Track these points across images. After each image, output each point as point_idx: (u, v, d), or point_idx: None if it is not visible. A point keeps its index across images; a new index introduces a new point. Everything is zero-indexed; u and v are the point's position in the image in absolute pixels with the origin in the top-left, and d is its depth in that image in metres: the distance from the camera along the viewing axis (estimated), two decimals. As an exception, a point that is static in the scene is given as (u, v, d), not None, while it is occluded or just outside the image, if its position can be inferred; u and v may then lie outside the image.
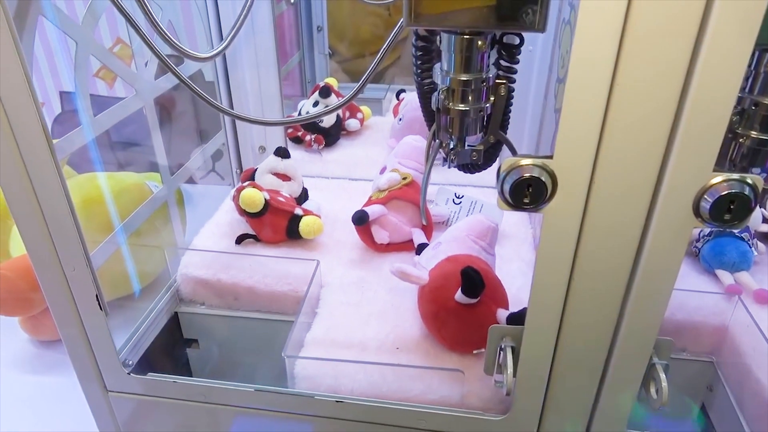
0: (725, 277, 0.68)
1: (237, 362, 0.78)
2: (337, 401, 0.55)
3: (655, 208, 0.38)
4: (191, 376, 0.79)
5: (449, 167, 0.49)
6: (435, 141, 0.48)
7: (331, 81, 1.10)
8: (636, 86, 0.35)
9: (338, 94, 1.06)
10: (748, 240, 0.69)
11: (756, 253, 0.70)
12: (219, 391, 0.58)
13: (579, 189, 0.38)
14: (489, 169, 0.50)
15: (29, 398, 0.78)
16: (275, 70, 0.90)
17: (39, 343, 0.87)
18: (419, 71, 0.46)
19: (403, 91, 1.11)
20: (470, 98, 0.44)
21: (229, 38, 0.65)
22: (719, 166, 0.37)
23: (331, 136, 1.06)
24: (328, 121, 1.05)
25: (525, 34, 0.43)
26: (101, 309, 0.54)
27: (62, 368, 0.80)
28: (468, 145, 0.47)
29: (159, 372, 0.61)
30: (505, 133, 0.48)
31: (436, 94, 0.45)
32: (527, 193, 0.38)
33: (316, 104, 1.04)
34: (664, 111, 0.35)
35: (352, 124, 1.10)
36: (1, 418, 0.74)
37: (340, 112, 1.08)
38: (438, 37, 0.44)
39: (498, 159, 0.51)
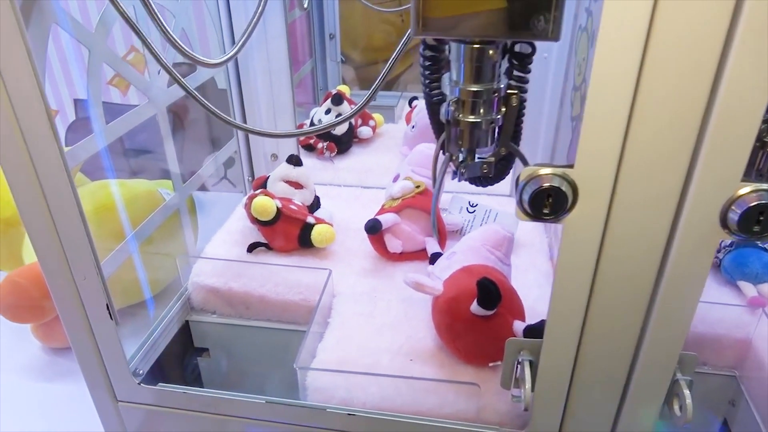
0: (748, 288, 0.66)
1: (248, 372, 0.77)
2: (349, 414, 0.54)
3: (680, 219, 0.37)
4: (202, 386, 0.79)
5: (459, 181, 0.48)
6: (444, 154, 0.46)
7: (344, 89, 1.10)
8: (661, 93, 0.34)
9: (350, 102, 1.06)
10: (772, 251, 0.67)
11: (779, 264, 0.68)
12: (229, 402, 0.57)
13: (601, 199, 0.37)
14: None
15: (40, 406, 0.78)
16: (288, 78, 0.90)
17: (51, 350, 0.87)
18: (428, 81, 0.45)
19: (415, 98, 1.11)
20: (481, 109, 0.42)
21: (239, 44, 0.65)
22: (746, 176, 0.35)
23: (343, 143, 1.06)
24: (340, 128, 1.04)
25: (538, 42, 0.42)
26: (112, 318, 0.54)
27: (74, 376, 0.80)
28: (478, 158, 0.46)
29: (170, 381, 0.61)
30: (518, 145, 0.47)
31: (445, 105, 0.43)
32: (547, 204, 0.37)
33: (328, 112, 1.04)
34: (690, 119, 0.34)
35: (364, 131, 1.09)
36: (13, 426, 0.74)
37: (352, 119, 1.08)
38: (447, 47, 0.43)
39: (512, 171, 0.50)
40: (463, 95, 0.42)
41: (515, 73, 0.44)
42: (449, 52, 0.43)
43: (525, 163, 0.46)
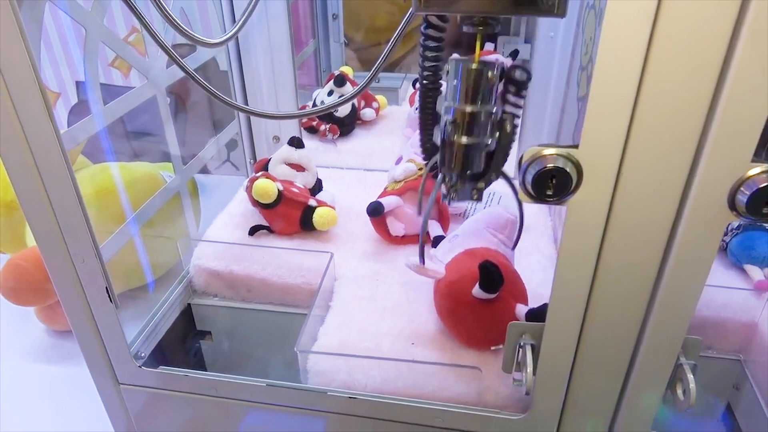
0: (754, 272, 0.65)
1: (250, 355, 0.78)
2: (350, 397, 0.54)
3: (687, 201, 0.36)
4: (204, 369, 0.79)
5: (449, 203, 0.46)
6: (440, 173, 0.44)
7: (347, 69, 1.08)
8: (669, 71, 0.32)
9: (353, 83, 1.05)
10: (780, 234, 0.66)
11: (787, 248, 0.67)
12: (230, 385, 0.57)
13: (606, 180, 0.36)
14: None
15: (44, 388, 0.78)
16: (289, 59, 0.88)
17: (55, 332, 0.87)
18: (426, 63, 0.43)
19: (419, 79, 1.09)
20: (476, 132, 0.41)
21: (239, 23, 0.64)
22: (757, 156, 0.34)
23: (346, 125, 1.04)
24: (342, 110, 1.03)
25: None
26: (111, 301, 0.53)
27: (78, 358, 0.80)
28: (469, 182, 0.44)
29: (172, 364, 0.61)
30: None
31: (442, 124, 0.42)
32: (550, 185, 0.36)
33: (330, 93, 1.03)
34: (700, 97, 0.33)
35: (367, 113, 1.08)
36: (17, 408, 0.75)
37: (355, 101, 1.06)
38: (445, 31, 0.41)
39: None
40: (458, 116, 0.40)
41: (510, 98, 0.42)
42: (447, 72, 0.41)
43: (515, 191, 0.45)
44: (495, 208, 0.62)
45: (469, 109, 0.40)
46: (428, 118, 0.45)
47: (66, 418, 0.73)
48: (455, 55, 0.41)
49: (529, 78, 0.41)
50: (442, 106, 0.42)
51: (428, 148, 0.48)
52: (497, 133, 0.42)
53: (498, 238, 0.60)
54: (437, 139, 0.44)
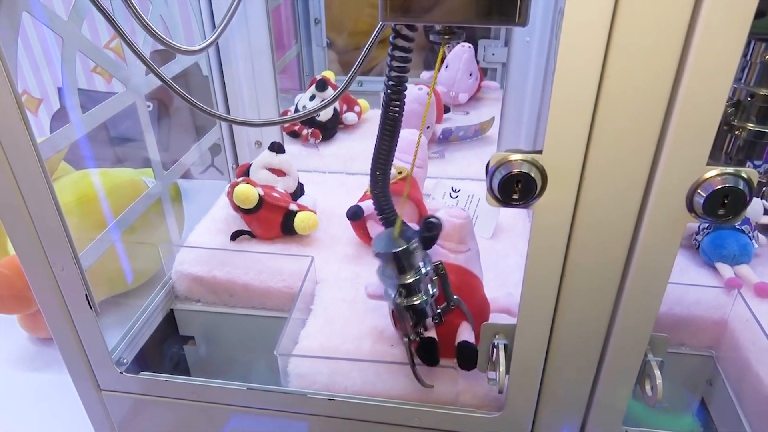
0: (725, 270, 0.67)
1: (234, 359, 0.78)
2: (330, 399, 0.55)
3: (648, 203, 0.37)
4: (188, 374, 0.79)
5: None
6: (405, 340, 0.53)
7: (328, 74, 1.09)
8: (626, 77, 0.34)
9: (335, 87, 1.05)
10: (749, 232, 0.68)
11: (757, 246, 0.69)
12: (212, 389, 0.58)
13: (569, 185, 0.37)
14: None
15: (28, 395, 0.78)
16: (270, 64, 0.89)
17: (38, 340, 0.87)
18: (391, 74, 0.44)
19: (400, 83, 1.10)
20: (420, 291, 0.51)
21: (218, 30, 0.64)
22: (714, 159, 0.36)
23: (328, 129, 1.05)
24: (325, 114, 1.04)
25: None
26: (91, 308, 0.54)
27: (61, 365, 0.80)
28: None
29: (156, 370, 0.61)
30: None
31: (394, 296, 0.51)
32: (516, 189, 0.37)
33: (312, 98, 1.03)
34: (656, 103, 0.34)
35: (349, 117, 1.09)
36: (2, 415, 0.75)
37: (337, 105, 1.07)
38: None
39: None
40: (402, 287, 0.50)
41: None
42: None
43: (469, 317, 0.55)
44: (438, 215, 0.56)
45: (408, 280, 0.50)
46: (388, 130, 0.47)
47: (50, 425, 0.73)
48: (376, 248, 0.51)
49: (437, 228, 0.51)
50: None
51: (378, 175, 0.52)
52: (435, 278, 0.52)
53: (446, 248, 0.57)
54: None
